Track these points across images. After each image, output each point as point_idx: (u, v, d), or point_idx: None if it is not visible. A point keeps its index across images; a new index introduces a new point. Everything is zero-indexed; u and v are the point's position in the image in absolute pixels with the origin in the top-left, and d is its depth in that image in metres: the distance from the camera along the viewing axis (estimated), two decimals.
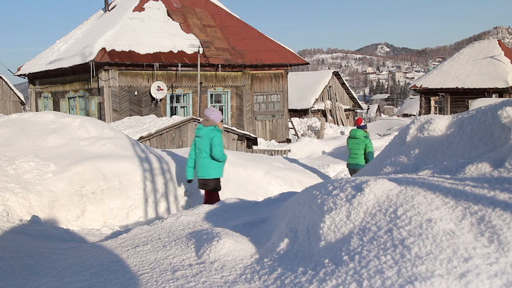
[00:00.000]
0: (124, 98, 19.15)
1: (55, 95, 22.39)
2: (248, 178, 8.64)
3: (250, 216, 3.85)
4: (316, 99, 36.45)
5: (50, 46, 23.83)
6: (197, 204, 6.53)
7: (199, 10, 23.11)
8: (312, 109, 36.12)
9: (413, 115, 47.67)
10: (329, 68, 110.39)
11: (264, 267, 2.45)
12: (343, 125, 34.68)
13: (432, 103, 29.32)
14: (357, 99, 41.26)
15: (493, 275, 1.59)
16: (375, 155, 9.19)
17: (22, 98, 41.37)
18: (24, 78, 24.69)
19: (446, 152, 3.37)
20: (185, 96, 20.81)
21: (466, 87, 27.08)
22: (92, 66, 18.02)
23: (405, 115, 53.95)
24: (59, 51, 21.76)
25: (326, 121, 32.32)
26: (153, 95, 19.40)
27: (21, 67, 24.13)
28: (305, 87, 37.26)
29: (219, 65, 20.99)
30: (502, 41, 30.40)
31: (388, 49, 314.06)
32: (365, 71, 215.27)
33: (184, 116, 19.17)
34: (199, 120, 15.27)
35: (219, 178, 6.59)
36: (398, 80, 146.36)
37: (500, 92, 25.83)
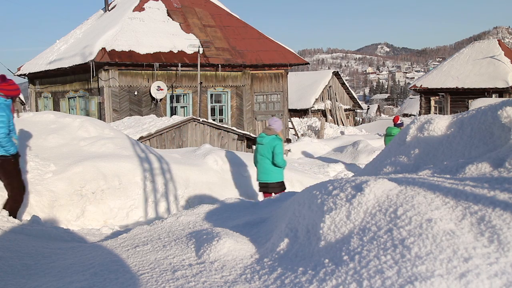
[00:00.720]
0: (124, 98, 19.15)
1: (55, 95, 22.39)
2: (248, 178, 8.64)
3: (250, 216, 3.85)
4: (316, 99, 36.46)
5: (50, 46, 23.83)
6: (197, 204, 6.53)
7: (199, 10, 23.11)
8: (312, 109, 36.13)
9: (413, 115, 47.66)
10: (329, 68, 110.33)
11: (264, 267, 2.45)
12: (343, 125, 34.69)
13: (432, 103, 29.32)
14: (357, 99, 41.27)
15: (493, 275, 1.59)
16: (375, 155, 9.19)
17: (22, 98, 41.33)
18: (24, 78, 24.68)
19: (446, 152, 3.37)
20: (185, 96, 20.81)
21: (466, 87, 27.08)
22: (92, 66, 18.02)
23: (405, 115, 53.93)
24: (59, 51, 21.76)
25: (326, 121, 32.32)
26: (153, 95, 19.40)
27: (21, 67, 24.13)
28: (305, 87, 37.27)
29: (219, 65, 20.98)
30: (502, 41, 30.40)
31: (388, 49, 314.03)
32: (365, 71, 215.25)
33: (184, 116, 19.17)
34: (199, 120, 15.27)
35: (282, 181, 7.21)
36: (398, 80, 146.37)
37: (500, 92, 25.83)
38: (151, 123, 14.68)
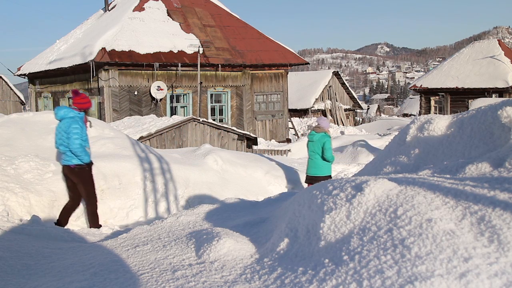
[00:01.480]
0: (124, 98, 19.15)
1: (55, 95, 22.39)
2: (248, 178, 8.64)
3: (250, 216, 3.85)
4: (316, 99, 36.45)
5: (50, 46, 23.83)
6: (197, 204, 6.53)
7: (199, 10, 23.11)
8: (312, 109, 36.13)
9: (413, 115, 47.65)
10: (329, 68, 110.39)
11: (264, 267, 2.45)
12: (343, 125, 34.69)
13: (432, 103, 29.32)
14: (357, 99, 41.27)
15: (493, 275, 1.59)
16: (375, 155, 9.21)
17: (22, 98, 41.36)
18: (24, 78, 24.69)
19: (446, 152, 3.37)
20: (185, 96, 20.81)
21: (466, 87, 27.08)
22: (92, 66, 18.02)
23: (405, 115, 53.94)
24: (59, 51, 21.76)
25: None
26: (153, 95, 19.41)
27: (21, 67, 24.13)
28: (305, 87, 37.26)
29: (219, 65, 20.99)
30: (502, 41, 30.39)
31: (388, 49, 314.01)
32: (365, 71, 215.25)
33: (184, 116, 19.17)
34: (199, 120, 15.27)
35: (330, 175, 7.76)
36: (398, 80, 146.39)
37: (500, 92, 25.83)
38: (151, 123, 14.68)
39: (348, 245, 2.10)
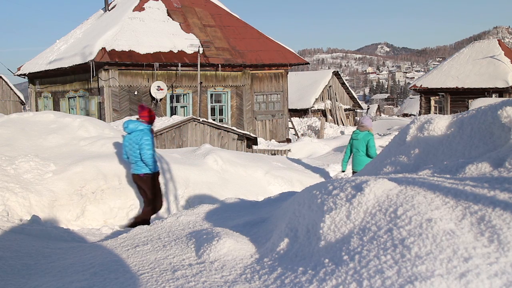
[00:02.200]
0: (124, 98, 19.15)
1: (55, 95, 22.39)
2: (248, 178, 8.64)
3: (250, 216, 3.85)
4: (316, 99, 36.45)
5: (50, 46, 23.82)
6: (197, 204, 6.53)
7: (199, 10, 23.10)
8: (312, 109, 36.12)
9: (413, 115, 47.63)
10: (329, 68, 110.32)
11: (264, 267, 2.45)
12: (343, 124, 34.68)
13: (432, 103, 29.32)
14: (357, 99, 41.25)
15: (493, 274, 1.59)
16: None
17: (22, 98, 41.36)
18: (24, 78, 24.69)
19: (446, 152, 3.37)
20: (185, 96, 20.81)
21: (466, 87, 27.08)
22: (92, 66, 18.02)
23: (405, 115, 53.91)
24: (59, 51, 21.76)
25: (326, 121, 32.32)
26: (153, 95, 19.40)
27: (21, 67, 24.12)
28: (305, 87, 37.26)
29: (219, 65, 20.98)
30: (502, 41, 30.40)
31: (388, 49, 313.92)
32: (365, 71, 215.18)
33: (184, 116, 19.17)
34: (199, 120, 15.27)
35: None
36: (398, 80, 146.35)
37: (500, 92, 25.83)
38: None
39: (348, 245, 2.10)
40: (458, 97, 27.61)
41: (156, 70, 19.42)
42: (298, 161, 12.22)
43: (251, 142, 16.59)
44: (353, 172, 8.40)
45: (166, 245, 3.15)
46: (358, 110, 42.00)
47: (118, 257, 3.04)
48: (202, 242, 2.89)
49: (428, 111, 29.10)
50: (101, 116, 18.61)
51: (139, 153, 6.09)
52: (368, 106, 65.85)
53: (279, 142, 22.81)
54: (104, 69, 18.48)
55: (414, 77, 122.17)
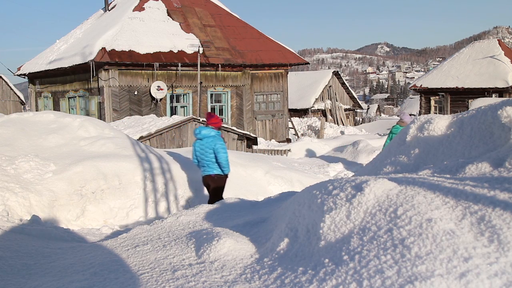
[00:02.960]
0: (124, 98, 19.14)
1: (55, 95, 22.39)
2: (248, 178, 8.64)
3: (250, 216, 3.85)
4: (316, 98, 36.45)
5: (50, 46, 23.82)
6: (197, 203, 6.53)
7: (199, 9, 23.10)
8: (312, 108, 36.12)
9: (413, 114, 47.56)
10: (329, 68, 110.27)
11: (264, 266, 2.45)
12: (343, 124, 34.68)
13: (432, 103, 29.31)
14: (357, 99, 41.25)
15: (493, 274, 1.59)
16: (375, 155, 9.26)
17: (22, 98, 41.35)
18: (24, 78, 24.68)
19: (446, 151, 3.37)
20: (185, 96, 20.80)
21: (466, 87, 27.07)
22: (92, 66, 18.02)
23: None
24: (59, 51, 21.75)
25: (326, 120, 32.31)
26: (153, 94, 19.40)
27: (21, 67, 24.12)
28: (305, 87, 37.26)
29: (219, 65, 20.98)
30: (502, 40, 30.38)
31: (388, 49, 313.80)
32: (365, 71, 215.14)
33: (184, 116, 19.15)
34: (199, 120, 15.26)
35: None
36: (398, 80, 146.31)
37: (500, 92, 25.82)
38: (151, 123, 14.68)
39: (348, 245, 2.10)
40: (458, 97, 27.60)
41: (156, 70, 19.41)
42: (298, 161, 12.23)
43: (251, 142, 16.59)
44: None
45: (166, 245, 3.15)
46: (358, 110, 42.01)
47: (118, 257, 3.04)
48: (202, 242, 2.89)
49: (428, 111, 29.09)
50: (101, 116, 18.61)
51: (214, 156, 6.63)
52: (368, 106, 65.85)
53: (279, 142, 22.81)
54: (104, 69, 18.48)
55: (414, 77, 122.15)
